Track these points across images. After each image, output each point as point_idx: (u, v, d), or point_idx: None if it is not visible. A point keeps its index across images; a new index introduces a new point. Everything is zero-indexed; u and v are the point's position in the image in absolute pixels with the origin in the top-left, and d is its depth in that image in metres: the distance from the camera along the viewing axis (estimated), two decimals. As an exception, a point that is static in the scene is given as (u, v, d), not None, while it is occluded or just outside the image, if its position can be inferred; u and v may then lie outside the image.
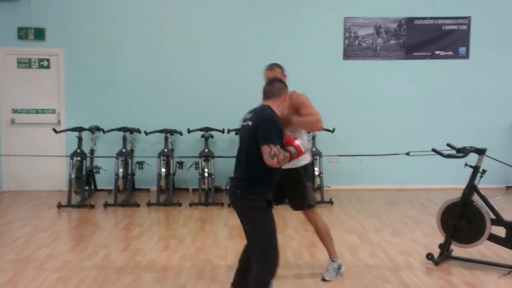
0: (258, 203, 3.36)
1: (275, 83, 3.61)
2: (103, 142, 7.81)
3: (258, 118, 3.35)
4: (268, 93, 3.55)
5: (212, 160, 7.32)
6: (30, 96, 7.90)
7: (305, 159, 4.24)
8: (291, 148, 3.44)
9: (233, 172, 3.53)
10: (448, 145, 4.88)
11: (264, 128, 3.29)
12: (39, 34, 7.78)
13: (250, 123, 3.36)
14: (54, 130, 7.18)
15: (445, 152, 4.76)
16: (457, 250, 4.77)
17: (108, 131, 7.47)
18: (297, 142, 3.48)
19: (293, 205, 4.33)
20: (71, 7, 7.83)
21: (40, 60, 7.88)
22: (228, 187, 3.61)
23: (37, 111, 7.95)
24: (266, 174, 3.35)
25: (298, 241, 5.43)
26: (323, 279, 4.27)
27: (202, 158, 7.28)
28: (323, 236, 4.39)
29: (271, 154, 3.21)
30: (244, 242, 5.31)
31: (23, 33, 7.77)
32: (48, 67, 7.89)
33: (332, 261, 4.39)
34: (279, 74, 4.26)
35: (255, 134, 3.29)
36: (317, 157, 7.35)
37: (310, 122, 4.17)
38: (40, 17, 7.77)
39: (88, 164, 7.42)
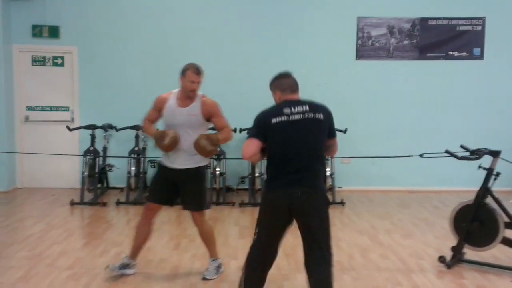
0: (328, 199, 3.41)
1: (291, 77, 3.54)
2: (116, 140, 7.85)
3: (325, 111, 3.35)
4: (296, 87, 3.48)
5: (224, 160, 7.33)
6: (44, 93, 7.96)
7: (205, 160, 4.29)
8: None
9: (288, 168, 3.22)
10: (462, 146, 4.84)
11: (333, 121, 3.39)
12: (54, 32, 7.85)
13: (315, 116, 3.26)
14: (68, 127, 7.24)
15: (459, 154, 4.72)
16: (469, 253, 4.73)
17: (121, 129, 7.51)
18: None
19: (189, 205, 4.27)
20: (85, 5, 7.88)
21: (54, 57, 7.94)
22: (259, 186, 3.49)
23: (51, 109, 8.01)
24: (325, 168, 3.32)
25: (309, 241, 5.40)
26: (204, 278, 4.28)
27: (214, 158, 7.29)
28: (207, 238, 4.40)
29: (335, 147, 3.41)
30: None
31: (37, 31, 7.84)
32: (62, 65, 7.95)
33: (213, 260, 4.43)
34: (201, 81, 4.34)
35: (326, 127, 3.31)
36: (329, 158, 7.32)
37: (228, 137, 4.35)
38: (54, 15, 7.82)
39: (100, 162, 7.46)
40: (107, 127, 7.51)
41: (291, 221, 3.35)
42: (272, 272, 4.41)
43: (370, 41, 8.08)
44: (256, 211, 6.70)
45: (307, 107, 3.28)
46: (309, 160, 3.24)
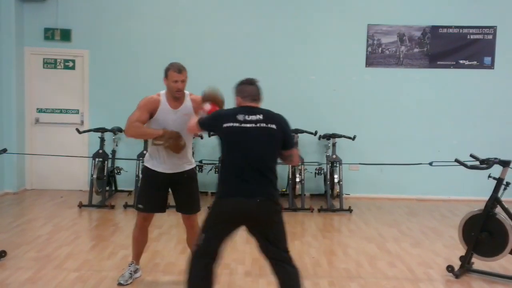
0: (281, 206, 3.40)
1: (254, 86, 3.58)
2: (124, 143, 7.88)
3: (280, 122, 3.36)
4: (258, 96, 3.53)
5: (232, 164, 7.32)
6: (54, 96, 8.02)
7: (193, 162, 4.25)
8: None
9: (241, 177, 3.20)
10: (472, 156, 4.82)
11: (289, 132, 3.40)
12: (65, 35, 7.91)
13: (268, 125, 3.26)
14: (77, 130, 7.28)
15: (469, 163, 4.70)
16: (478, 263, 4.70)
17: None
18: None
19: (188, 207, 4.18)
20: (97, 9, 7.94)
21: (66, 61, 8.00)
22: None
23: (61, 111, 8.06)
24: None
25: (317, 248, 5.40)
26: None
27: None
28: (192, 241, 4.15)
29: (299, 157, 3.43)
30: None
31: (49, 34, 7.90)
32: (73, 67, 8.00)
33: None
34: (186, 78, 4.26)
35: (281, 138, 3.31)
36: (337, 164, 7.32)
37: None
38: (66, 19, 7.89)
39: (109, 165, 7.50)
40: (116, 130, 7.54)
41: (238, 229, 3.34)
42: (271, 279, 4.43)
43: (380, 49, 8.07)
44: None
45: (261, 117, 3.30)
46: (260, 169, 3.21)
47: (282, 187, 7.73)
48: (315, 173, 7.64)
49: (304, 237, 5.85)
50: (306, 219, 6.71)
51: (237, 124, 3.24)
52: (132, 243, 4.35)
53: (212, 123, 3.43)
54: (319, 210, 7.06)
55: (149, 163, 4.13)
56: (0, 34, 7.55)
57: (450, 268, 4.62)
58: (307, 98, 8.00)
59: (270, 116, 3.35)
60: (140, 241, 4.31)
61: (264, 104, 8.46)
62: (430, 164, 5.62)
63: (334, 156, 7.38)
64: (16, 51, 7.70)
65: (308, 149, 7.88)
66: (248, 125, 3.25)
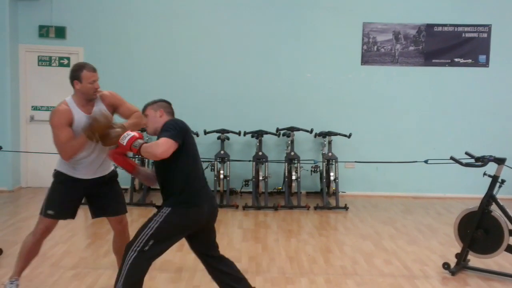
0: None
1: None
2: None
3: None
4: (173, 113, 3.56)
5: (228, 162, 7.34)
6: (49, 93, 7.98)
7: (112, 164, 3.94)
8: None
9: (202, 183, 3.41)
10: (467, 153, 4.84)
11: None
12: (60, 32, 7.88)
13: None
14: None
15: (464, 161, 4.72)
16: (474, 260, 4.72)
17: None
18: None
19: (119, 208, 3.94)
20: (92, 6, 7.91)
21: (61, 58, 7.97)
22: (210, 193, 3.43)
23: (55, 109, 8.03)
24: None
25: (313, 246, 5.41)
26: None
27: (218, 160, 7.30)
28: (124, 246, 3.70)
29: None
30: (259, 244, 5.37)
31: (44, 31, 7.87)
32: (68, 65, 7.96)
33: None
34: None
35: None
36: (333, 162, 7.33)
37: (140, 121, 3.83)
38: (61, 16, 7.86)
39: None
40: (112, 128, 7.51)
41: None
42: (275, 276, 4.45)
43: (375, 47, 8.09)
44: (260, 214, 6.75)
45: None
46: (202, 176, 3.46)
47: (278, 185, 7.75)
48: (311, 171, 7.65)
49: (300, 234, 5.86)
50: (302, 217, 6.72)
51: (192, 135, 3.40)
52: (20, 255, 3.86)
53: (183, 130, 3.30)
54: (315, 208, 7.07)
55: (63, 168, 3.77)
56: (-6, 32, 7.53)
57: (446, 265, 4.64)
58: (303, 96, 8.01)
59: None
60: (33, 254, 3.88)
61: (260, 103, 8.49)
62: (426, 162, 5.63)
63: (330, 154, 7.39)
64: (11, 49, 7.67)
65: (303, 147, 7.89)
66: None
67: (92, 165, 3.76)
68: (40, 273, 4.38)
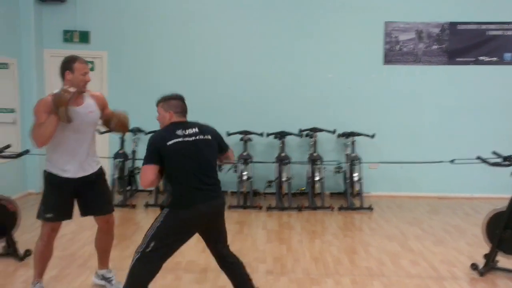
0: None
1: (183, 101, 3.65)
2: (144, 143, 7.81)
3: (212, 132, 3.61)
4: (185, 111, 3.62)
5: (251, 163, 7.34)
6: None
7: (99, 161, 4.00)
8: None
9: (200, 184, 3.38)
10: (494, 153, 4.76)
11: (221, 138, 3.69)
12: (84, 37, 7.99)
13: (205, 137, 3.49)
14: (98, 130, 7.33)
15: (491, 160, 4.65)
16: (503, 260, 4.64)
17: (149, 132, 7.58)
18: None
19: (105, 207, 3.96)
20: (115, 11, 8.01)
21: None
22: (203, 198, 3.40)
23: (80, 112, 8.14)
24: None
25: (338, 247, 5.38)
26: None
27: (241, 161, 7.32)
28: (110, 244, 4.13)
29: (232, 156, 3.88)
30: (283, 245, 5.36)
31: (68, 36, 7.99)
32: (92, 69, 8.05)
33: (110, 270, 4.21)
34: None
35: (217, 146, 3.59)
36: (357, 163, 7.28)
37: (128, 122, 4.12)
38: (85, 21, 7.97)
39: (130, 165, 7.55)
40: (136, 131, 7.60)
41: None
42: (300, 277, 4.44)
43: (398, 46, 8.02)
44: (284, 215, 6.74)
45: (197, 129, 3.51)
46: (210, 175, 3.47)
47: (301, 186, 7.72)
48: (334, 171, 7.61)
49: (324, 235, 5.84)
50: (326, 217, 6.69)
51: (180, 139, 3.40)
52: (35, 259, 3.95)
53: (155, 149, 3.35)
54: (339, 209, 7.03)
55: (52, 168, 3.79)
56: (20, 37, 7.66)
57: (474, 266, 4.58)
58: (325, 97, 7.98)
59: (203, 128, 3.56)
60: (46, 256, 3.94)
61: (282, 104, 8.45)
62: (452, 162, 5.56)
63: (353, 155, 7.34)
64: (36, 53, 7.80)
65: (326, 147, 7.86)
66: (189, 138, 3.44)
67: (78, 157, 3.77)
68: (68, 274, 4.45)
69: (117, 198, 7.21)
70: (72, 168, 3.76)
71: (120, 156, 7.25)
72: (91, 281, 4.28)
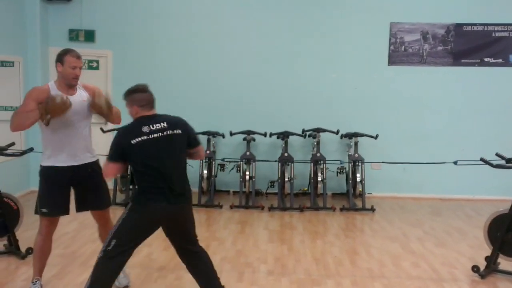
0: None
1: (148, 92, 3.53)
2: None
3: (182, 125, 3.50)
4: (152, 103, 3.52)
5: (254, 163, 7.35)
6: None
7: (96, 155, 4.01)
8: None
9: (163, 184, 3.32)
10: (498, 155, 4.76)
11: (192, 131, 3.58)
12: (89, 36, 8.02)
13: (173, 131, 3.40)
14: (102, 129, 7.36)
15: (494, 162, 4.64)
16: (504, 263, 4.63)
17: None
18: None
19: (99, 203, 3.97)
20: (121, 10, 8.03)
21: (90, 61, 8.11)
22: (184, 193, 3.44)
23: (84, 111, 8.18)
24: None
25: (339, 248, 5.38)
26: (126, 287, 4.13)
27: (244, 161, 7.32)
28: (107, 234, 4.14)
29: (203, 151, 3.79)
30: (285, 245, 5.36)
31: (74, 35, 8.02)
32: (97, 68, 8.11)
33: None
34: (82, 64, 3.90)
35: (186, 140, 3.49)
36: (359, 163, 7.27)
37: (118, 112, 4.07)
38: (90, 20, 7.99)
39: (132, 164, 7.57)
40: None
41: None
42: (301, 278, 4.45)
43: (403, 47, 8.00)
44: (286, 215, 6.74)
45: (165, 124, 3.40)
46: (177, 172, 3.42)
47: (304, 186, 7.73)
48: (337, 172, 7.61)
49: (326, 236, 5.84)
50: (328, 218, 6.69)
51: (145, 137, 3.31)
52: (34, 256, 3.96)
53: (119, 148, 3.33)
54: (341, 209, 7.03)
55: (47, 161, 3.84)
56: (26, 35, 7.69)
57: (475, 269, 4.56)
58: (329, 97, 7.97)
59: (173, 122, 3.46)
60: (45, 252, 3.94)
61: (285, 104, 8.44)
62: (455, 163, 5.55)
63: (356, 155, 7.34)
64: (41, 52, 7.83)
65: (329, 148, 7.85)
66: (156, 135, 3.35)
67: (69, 147, 3.80)
68: (69, 272, 4.47)
69: (120, 196, 7.24)
70: (63, 158, 3.79)
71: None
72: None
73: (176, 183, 3.38)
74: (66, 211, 3.92)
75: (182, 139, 3.45)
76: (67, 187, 3.88)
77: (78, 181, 3.87)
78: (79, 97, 3.84)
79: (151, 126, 3.35)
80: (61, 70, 3.75)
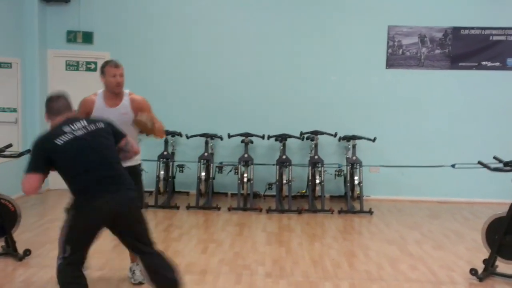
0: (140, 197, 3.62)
1: (61, 99, 3.38)
2: (145, 144, 7.89)
3: (103, 119, 3.47)
4: (67, 105, 3.37)
5: (252, 166, 7.35)
6: (76, 97, 7.93)
7: (139, 158, 4.16)
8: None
9: (98, 179, 3.19)
10: (495, 158, 4.76)
11: (114, 125, 3.48)
12: (87, 37, 8.01)
13: (96, 126, 3.30)
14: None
15: (492, 165, 4.65)
16: (502, 266, 4.63)
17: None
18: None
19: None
20: (118, 12, 8.03)
21: (88, 62, 8.10)
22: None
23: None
24: None
25: (337, 250, 5.38)
26: (140, 283, 4.15)
27: (242, 163, 7.32)
28: None
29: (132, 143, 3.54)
30: (283, 248, 5.36)
31: (72, 36, 8.02)
32: (95, 69, 8.08)
33: (138, 264, 4.10)
34: (123, 74, 4.09)
35: (111, 133, 3.37)
36: (357, 166, 7.28)
37: (161, 128, 4.14)
38: (88, 21, 7.99)
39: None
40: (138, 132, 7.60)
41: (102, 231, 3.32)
42: (299, 280, 4.44)
43: (400, 50, 8.02)
44: (284, 217, 6.73)
45: (85, 122, 3.31)
46: (111, 166, 3.27)
47: (302, 188, 7.73)
48: (335, 174, 7.61)
49: (324, 238, 5.84)
50: (326, 220, 6.69)
51: (70, 136, 3.18)
52: None
53: (41, 153, 3.19)
54: (339, 212, 7.03)
55: None
56: (24, 37, 7.68)
57: (473, 271, 4.56)
58: (327, 99, 7.98)
59: (92, 119, 3.41)
60: None
61: (283, 106, 8.42)
62: (453, 166, 5.57)
63: (354, 158, 7.34)
64: (40, 54, 7.82)
65: (327, 150, 7.85)
66: (80, 132, 3.22)
67: None
68: (68, 274, 4.44)
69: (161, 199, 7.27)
70: None
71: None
72: (91, 281, 4.28)
73: (113, 177, 3.24)
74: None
75: (107, 131, 3.35)
76: None
77: None
78: (122, 109, 4.03)
79: (71, 125, 3.24)
80: (104, 81, 4.02)
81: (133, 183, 3.38)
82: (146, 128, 3.96)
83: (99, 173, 3.19)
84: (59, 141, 3.15)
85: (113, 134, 3.41)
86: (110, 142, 3.36)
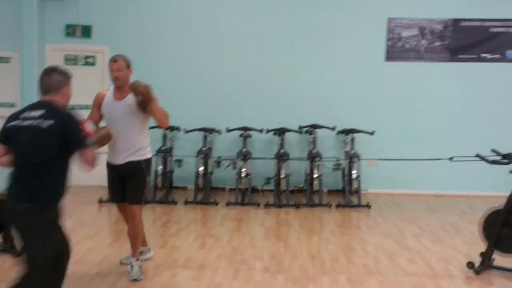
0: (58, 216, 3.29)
1: (52, 75, 3.22)
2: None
3: (62, 120, 3.07)
4: (47, 87, 3.18)
5: (250, 160, 7.34)
6: (75, 91, 7.96)
7: (149, 153, 4.34)
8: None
9: (18, 176, 3.08)
10: (493, 150, 4.75)
11: (77, 130, 3.09)
12: (86, 31, 8.00)
13: (44, 123, 3.02)
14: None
15: (490, 158, 4.64)
16: (499, 259, 4.63)
17: (148, 128, 7.58)
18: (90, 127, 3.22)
19: (131, 198, 4.24)
20: (117, 6, 8.01)
21: (86, 57, 8.09)
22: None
23: (81, 107, 8.15)
24: (64, 184, 3.19)
25: (335, 244, 5.38)
26: (134, 280, 4.18)
27: (240, 158, 7.32)
28: (138, 235, 4.29)
29: (93, 158, 3.12)
30: (281, 242, 5.37)
31: (70, 30, 8.00)
32: (93, 64, 8.09)
33: (137, 260, 4.31)
34: (124, 68, 4.32)
35: (58, 137, 3.03)
36: (356, 160, 7.27)
37: (164, 114, 4.29)
38: (87, 15, 7.97)
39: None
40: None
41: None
42: (297, 274, 4.45)
43: (400, 42, 7.98)
44: (282, 212, 6.75)
45: (43, 112, 3.05)
46: (32, 171, 3.03)
47: (300, 183, 7.73)
48: (333, 168, 7.61)
49: (322, 233, 5.84)
50: (324, 215, 6.69)
51: (16, 122, 3.08)
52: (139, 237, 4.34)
53: (4, 126, 3.16)
54: (337, 206, 7.03)
55: (107, 157, 4.36)
56: (22, 31, 7.66)
57: (470, 265, 4.57)
58: (326, 93, 7.96)
59: (51, 113, 3.06)
60: (127, 233, 4.44)
61: (282, 100, 8.39)
62: (451, 159, 5.55)
63: (352, 152, 7.34)
64: (38, 48, 7.81)
65: (326, 144, 7.85)
66: (26, 122, 3.05)
67: (115, 146, 4.20)
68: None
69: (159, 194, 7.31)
70: (111, 156, 4.28)
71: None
72: (88, 277, 4.30)
73: (28, 183, 3.03)
74: (120, 199, 4.38)
75: (50, 133, 3.01)
76: (118, 179, 4.31)
77: (124, 177, 4.26)
78: (127, 101, 4.22)
79: (29, 112, 3.09)
80: (111, 76, 4.27)
81: (37, 196, 3.05)
82: (143, 93, 4.09)
83: (19, 172, 3.10)
84: (10, 124, 3.12)
85: (63, 137, 3.04)
86: (45, 144, 3.03)
